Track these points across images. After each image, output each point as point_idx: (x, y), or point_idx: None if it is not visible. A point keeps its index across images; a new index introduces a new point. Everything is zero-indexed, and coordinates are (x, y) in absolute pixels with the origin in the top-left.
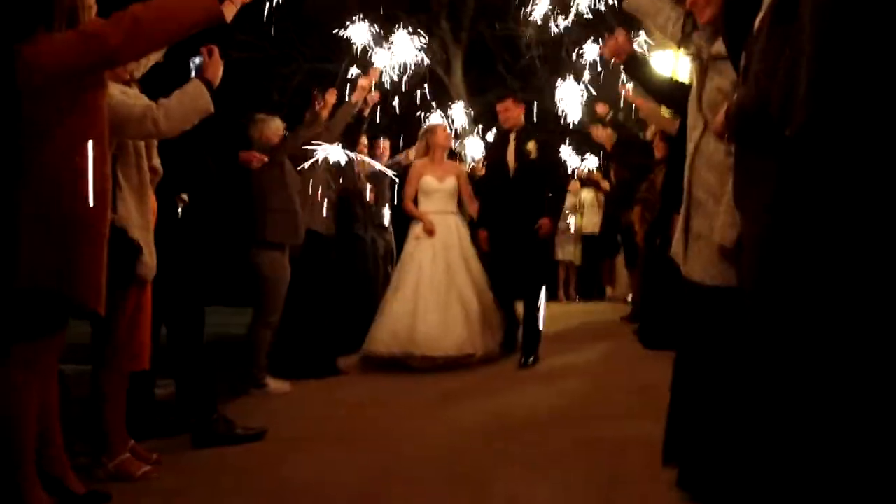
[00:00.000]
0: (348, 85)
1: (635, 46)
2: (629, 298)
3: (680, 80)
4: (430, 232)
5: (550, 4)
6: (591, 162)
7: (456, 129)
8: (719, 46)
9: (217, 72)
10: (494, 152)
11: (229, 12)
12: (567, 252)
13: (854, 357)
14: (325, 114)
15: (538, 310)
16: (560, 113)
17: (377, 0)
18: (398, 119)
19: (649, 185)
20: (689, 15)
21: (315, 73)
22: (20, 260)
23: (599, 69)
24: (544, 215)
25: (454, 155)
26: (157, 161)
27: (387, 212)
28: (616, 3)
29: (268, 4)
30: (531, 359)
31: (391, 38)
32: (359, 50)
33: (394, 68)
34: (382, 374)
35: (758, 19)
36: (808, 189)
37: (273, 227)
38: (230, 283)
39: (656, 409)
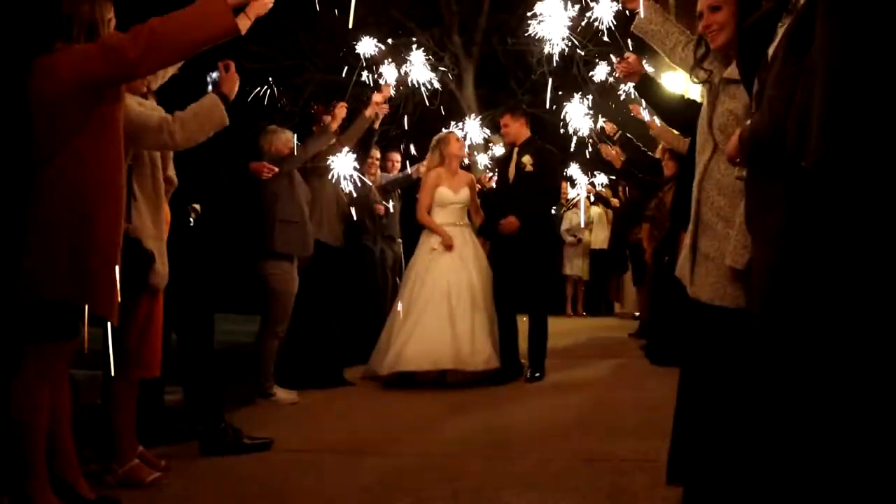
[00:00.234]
0: (361, 96)
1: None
2: (637, 314)
3: (691, 98)
4: (449, 247)
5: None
6: (601, 179)
7: (470, 143)
8: (731, 70)
9: (233, 86)
10: (500, 166)
11: (244, 25)
12: (575, 267)
13: (862, 380)
14: (334, 126)
15: (542, 323)
16: (569, 130)
17: (390, 14)
18: (409, 132)
19: (658, 203)
20: (700, 40)
21: (327, 84)
22: (33, 269)
23: (609, 85)
24: (536, 226)
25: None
26: (172, 171)
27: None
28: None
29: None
30: (537, 373)
31: (402, 53)
32: (368, 63)
33: (405, 83)
34: (388, 386)
35: (772, 47)
36: (822, 216)
37: (281, 238)
38: (240, 291)
39: (662, 426)
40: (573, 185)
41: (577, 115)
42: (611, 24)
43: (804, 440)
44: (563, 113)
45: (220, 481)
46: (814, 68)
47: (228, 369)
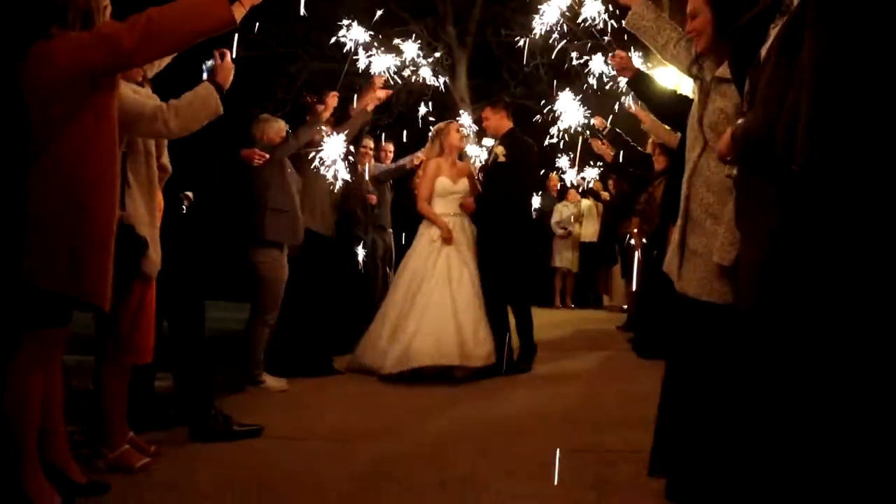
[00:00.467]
0: (353, 87)
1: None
2: (625, 307)
3: (683, 94)
4: (448, 240)
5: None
6: (591, 172)
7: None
8: (723, 69)
9: (228, 76)
10: (488, 158)
11: (238, 14)
12: (565, 259)
13: (850, 378)
14: (326, 115)
15: (525, 315)
16: (559, 123)
17: (383, 2)
18: (402, 122)
19: (648, 198)
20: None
21: (321, 72)
22: (27, 257)
23: (603, 80)
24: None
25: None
26: (166, 159)
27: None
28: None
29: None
30: (524, 365)
31: (395, 42)
32: (359, 52)
33: (397, 72)
34: (377, 375)
35: (764, 49)
36: (815, 216)
37: (272, 226)
38: (230, 278)
39: (647, 418)
40: (562, 177)
41: (570, 109)
42: (605, 18)
43: (787, 434)
44: (553, 105)
45: (209, 467)
46: (802, 72)
47: (218, 356)
